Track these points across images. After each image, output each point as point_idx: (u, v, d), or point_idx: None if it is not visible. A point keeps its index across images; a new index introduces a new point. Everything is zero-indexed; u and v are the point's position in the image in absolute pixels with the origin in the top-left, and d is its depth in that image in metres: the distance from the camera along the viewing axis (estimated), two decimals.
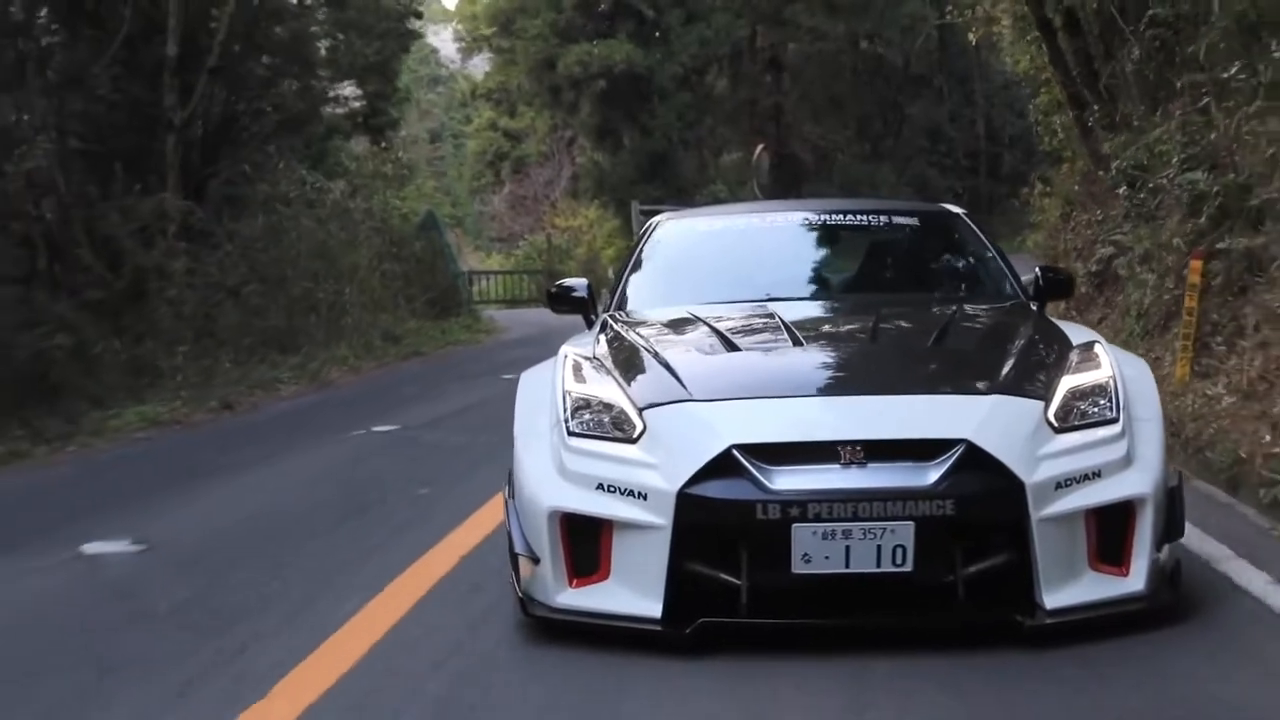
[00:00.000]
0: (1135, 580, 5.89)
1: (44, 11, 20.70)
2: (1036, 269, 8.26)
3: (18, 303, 16.54)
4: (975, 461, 5.71)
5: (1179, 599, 6.14)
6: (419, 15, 34.29)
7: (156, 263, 20.10)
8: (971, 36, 24.42)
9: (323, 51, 28.93)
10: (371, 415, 14.74)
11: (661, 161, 43.79)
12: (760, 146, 37.94)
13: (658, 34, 43.62)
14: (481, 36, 46.95)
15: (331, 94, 30.30)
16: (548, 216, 51.54)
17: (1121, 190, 16.13)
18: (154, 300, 19.87)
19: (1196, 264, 12.16)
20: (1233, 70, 12.07)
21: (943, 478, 5.66)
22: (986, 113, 53.92)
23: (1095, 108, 18.27)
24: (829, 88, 46.91)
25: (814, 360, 6.77)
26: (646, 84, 43.81)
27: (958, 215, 8.98)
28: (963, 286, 8.40)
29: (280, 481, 11.14)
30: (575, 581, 5.97)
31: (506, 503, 6.53)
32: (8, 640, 6.65)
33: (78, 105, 20.16)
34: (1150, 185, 14.69)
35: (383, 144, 33.48)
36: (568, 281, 8.68)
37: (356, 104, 31.98)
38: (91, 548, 8.47)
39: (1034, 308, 7.87)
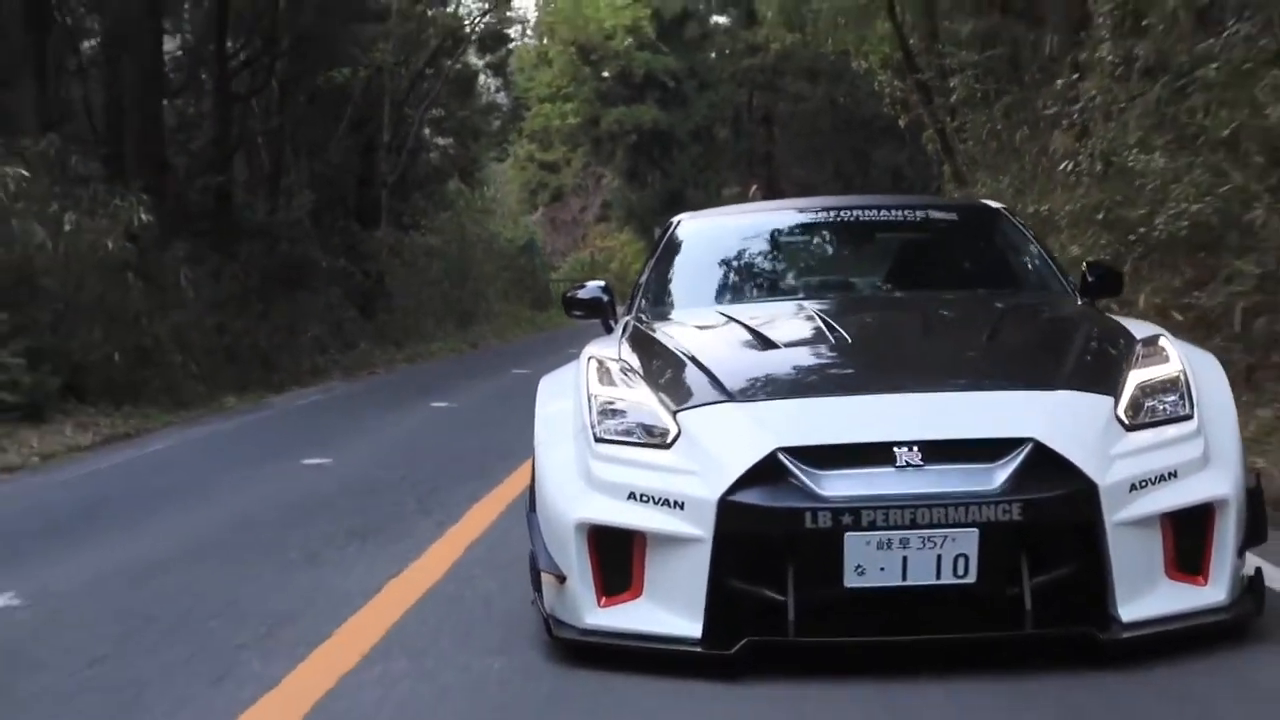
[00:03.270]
0: (1216, 590, 5.05)
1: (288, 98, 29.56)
2: (1084, 265, 7.30)
3: (315, 295, 26.94)
4: (1044, 462, 4.88)
5: (1261, 610, 5.26)
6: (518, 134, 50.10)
7: (384, 269, 32.69)
8: (901, 121, 25.94)
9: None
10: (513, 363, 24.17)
11: (678, 196, 50.70)
12: (754, 186, 45.40)
13: (678, 99, 54.34)
14: (544, 98, 57.09)
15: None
16: (590, 238, 62.40)
17: None
18: (387, 290, 32.64)
19: None
20: None
21: (1009, 480, 4.82)
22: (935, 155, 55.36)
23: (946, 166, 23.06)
24: (810, 138, 51.84)
25: (862, 357, 5.86)
26: (668, 138, 54.76)
27: (998, 210, 8.02)
28: (1009, 282, 7.28)
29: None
30: (605, 600, 5.12)
31: (528, 517, 5.68)
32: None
33: (319, 168, 30.24)
34: None
35: (472, 186, 45.15)
36: (586, 285, 7.68)
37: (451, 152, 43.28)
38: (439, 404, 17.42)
39: (1083, 304, 6.97)
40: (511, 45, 44.06)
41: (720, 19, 54.93)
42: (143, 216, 17.63)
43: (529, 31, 44.95)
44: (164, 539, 8.42)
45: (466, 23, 37.35)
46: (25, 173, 15.81)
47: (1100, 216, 13.45)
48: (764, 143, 55.69)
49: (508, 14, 40.68)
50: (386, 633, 5.80)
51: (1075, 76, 16.09)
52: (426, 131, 38.41)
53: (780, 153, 55.03)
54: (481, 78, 43.86)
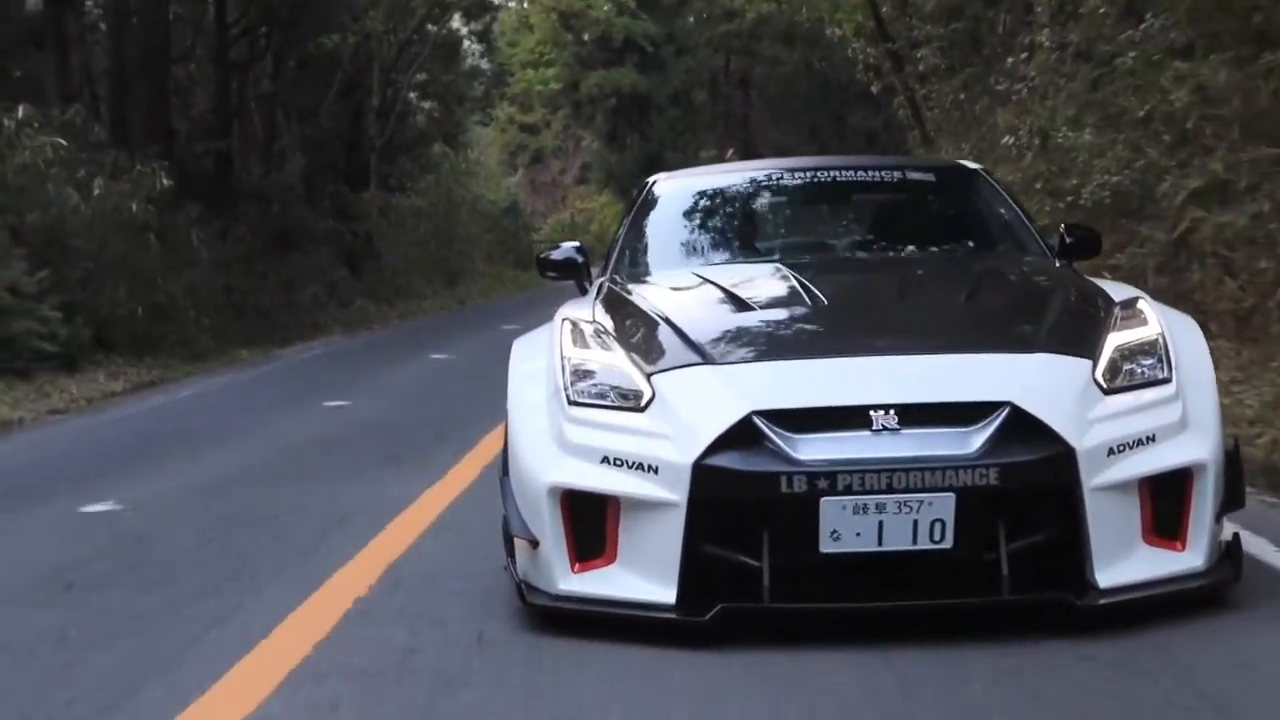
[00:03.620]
0: (1194, 556, 4.81)
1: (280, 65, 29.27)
2: (1062, 226, 6.89)
3: (308, 256, 26.61)
4: (1021, 426, 4.62)
5: (1239, 577, 4.99)
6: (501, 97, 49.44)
7: (373, 229, 32.40)
8: (874, 88, 26.16)
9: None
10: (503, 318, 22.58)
11: (657, 159, 49.51)
12: (730, 150, 45.00)
13: (656, 63, 53.69)
14: (528, 63, 56.58)
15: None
16: (569, 199, 61.13)
17: None
18: (374, 250, 32.10)
19: None
20: None
21: (986, 444, 4.58)
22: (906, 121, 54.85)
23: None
24: (786, 101, 51.04)
25: (838, 319, 5.48)
26: (646, 101, 53.99)
27: (976, 171, 7.54)
28: (986, 244, 6.87)
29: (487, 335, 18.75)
30: (579, 566, 4.86)
31: (501, 481, 5.37)
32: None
33: (310, 132, 30.01)
34: None
35: (456, 150, 44.08)
36: (560, 245, 7.30)
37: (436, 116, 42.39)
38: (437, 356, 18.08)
39: (1061, 266, 6.57)
40: (495, 12, 43.84)
41: None
42: (163, 181, 18.38)
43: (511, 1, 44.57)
44: (224, 464, 9.51)
45: None
46: (63, 141, 16.66)
47: (1039, 185, 14.39)
48: (741, 106, 55.02)
49: None
50: (433, 522, 7.08)
51: (1024, 56, 16.82)
52: (413, 96, 38.33)
53: (756, 116, 54.27)
54: (466, 44, 43.84)
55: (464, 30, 42.31)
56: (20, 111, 16.63)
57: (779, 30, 44.15)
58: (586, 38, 53.12)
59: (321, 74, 31.08)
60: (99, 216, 16.86)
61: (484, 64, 46.12)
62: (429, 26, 36.79)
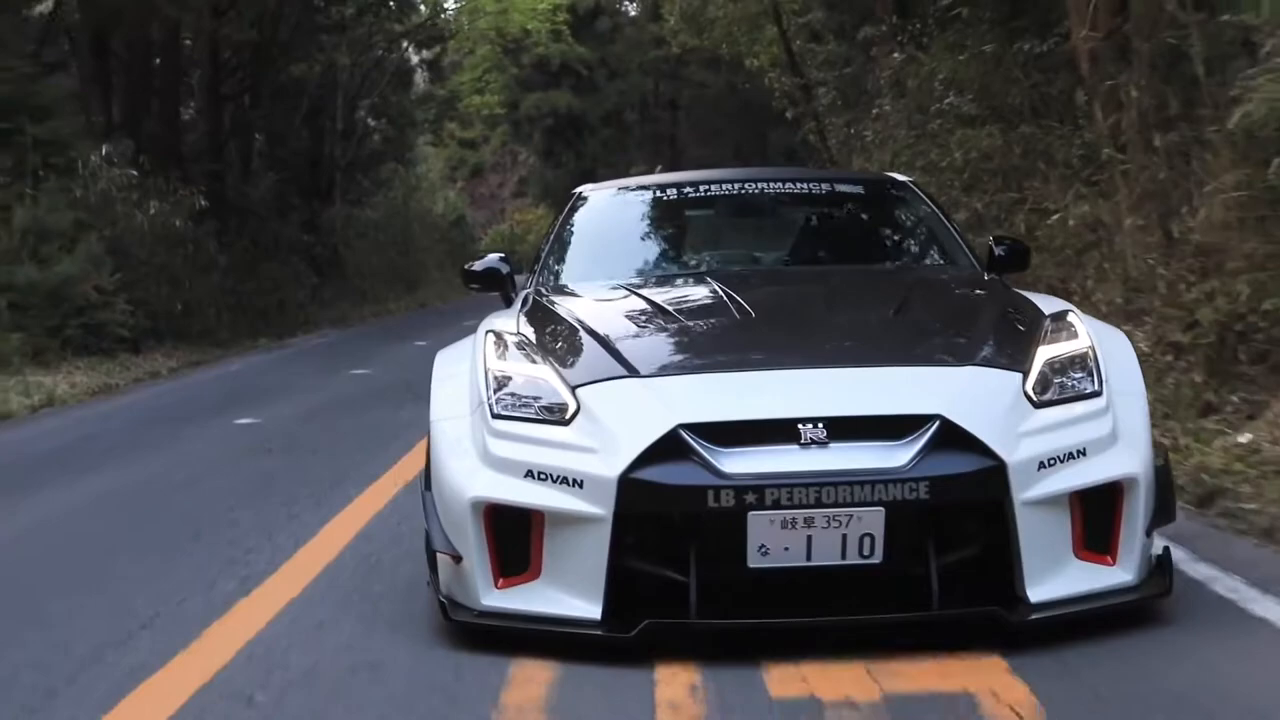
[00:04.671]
0: (1125, 570, 4.27)
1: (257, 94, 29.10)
2: (990, 239, 6.27)
3: (285, 265, 26.80)
4: (951, 439, 4.07)
5: (1170, 590, 4.44)
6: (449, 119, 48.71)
7: (338, 241, 32.92)
8: (788, 114, 26.56)
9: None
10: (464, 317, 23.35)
11: (590, 174, 49.47)
12: (659, 166, 44.28)
13: (590, 86, 53.57)
14: (472, 90, 54.65)
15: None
16: (508, 212, 61.00)
17: None
18: (341, 259, 32.46)
19: None
20: None
21: (915, 458, 4.04)
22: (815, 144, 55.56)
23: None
24: (712, 121, 51.11)
25: (766, 332, 4.88)
26: (581, 121, 53.78)
27: (905, 183, 6.77)
28: (916, 256, 6.27)
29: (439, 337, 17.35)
30: (502, 581, 4.27)
31: (423, 495, 4.72)
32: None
33: (280, 153, 30.61)
34: None
35: (406, 167, 43.44)
36: (484, 256, 6.51)
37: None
38: (419, 343, 17.38)
39: (990, 279, 5.85)
40: (444, 43, 43.57)
41: (629, 7, 54.16)
42: (201, 202, 20.45)
43: (459, 31, 44.08)
44: (297, 406, 11.90)
45: (401, 27, 37.08)
46: (134, 173, 18.88)
47: None
48: (668, 126, 55.05)
49: (444, 14, 40.10)
50: None
51: (874, 113, 18.11)
52: (370, 120, 38.33)
53: (683, 135, 54.18)
54: (418, 73, 43.68)
55: (414, 60, 41.90)
56: (104, 149, 18.65)
57: (704, 57, 44.38)
58: (525, 62, 53.18)
59: (289, 99, 31.54)
60: (151, 231, 19.02)
61: (436, 90, 45.56)
62: (388, 54, 36.79)
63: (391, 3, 33.87)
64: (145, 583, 5.47)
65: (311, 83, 31.62)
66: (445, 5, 38.76)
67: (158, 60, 24.32)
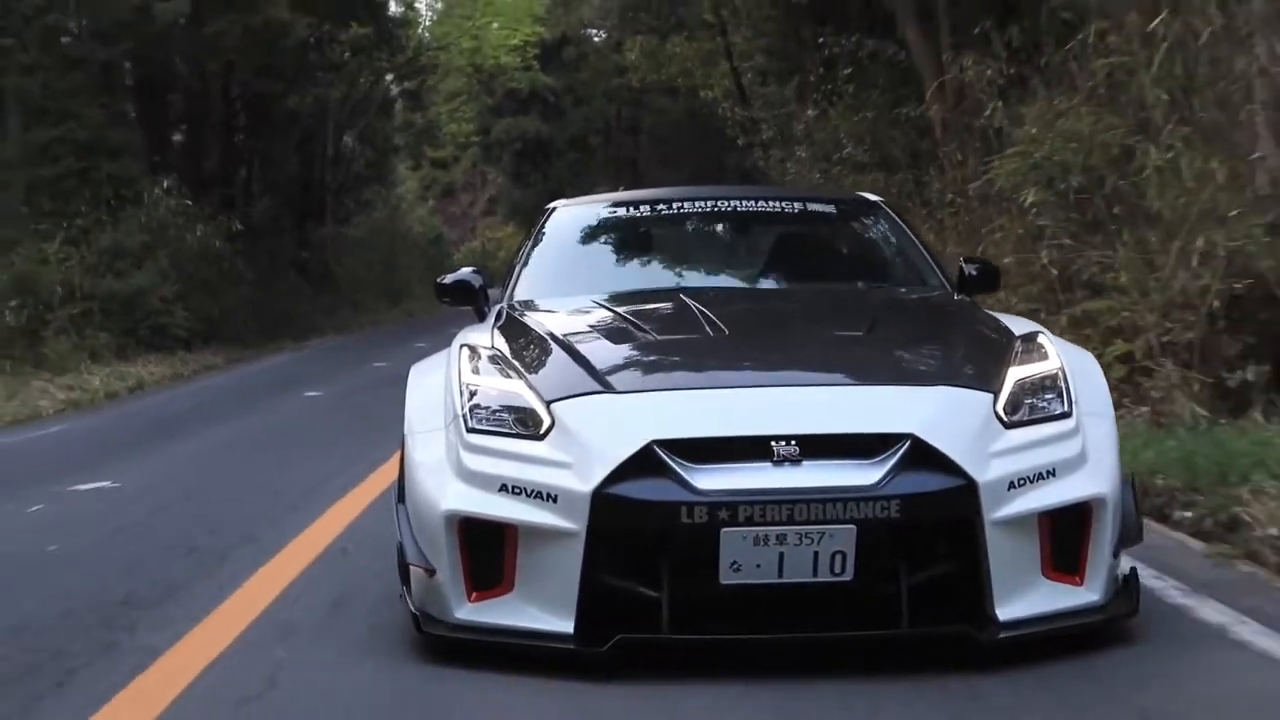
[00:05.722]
0: (1092, 590, 3.89)
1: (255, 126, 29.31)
2: (961, 260, 5.82)
3: (284, 279, 27.47)
4: (922, 458, 3.71)
5: (1136, 610, 4.10)
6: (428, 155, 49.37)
7: (331, 256, 33.28)
8: (740, 141, 27.26)
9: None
10: (447, 327, 22.78)
11: (557, 195, 47.43)
12: (622, 187, 43.92)
13: (557, 112, 54.16)
14: (450, 119, 56.18)
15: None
16: (480, 230, 60.80)
17: None
18: (334, 274, 32.77)
19: None
20: None
21: (886, 476, 3.68)
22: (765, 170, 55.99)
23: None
24: (672, 145, 50.65)
25: (739, 350, 4.48)
26: (548, 145, 54.36)
27: (877, 203, 6.25)
28: (887, 276, 5.75)
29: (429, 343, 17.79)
30: (475, 595, 3.86)
31: (396, 508, 4.30)
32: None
33: (275, 177, 30.96)
34: None
35: (387, 189, 44.04)
36: (458, 271, 5.93)
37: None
38: (419, 344, 15.34)
39: (961, 299, 5.39)
40: (425, 76, 43.14)
41: (594, 34, 53.82)
42: (238, 226, 22.66)
43: (439, 64, 43.80)
44: (343, 385, 13.71)
45: (388, 64, 37.41)
46: (190, 202, 21.04)
47: None
48: (631, 150, 54.85)
49: (426, 52, 40.10)
50: None
51: (797, 153, 19.72)
52: (356, 147, 38.66)
53: (644, 158, 53.75)
54: (399, 103, 43.67)
55: (395, 90, 41.68)
56: (164, 183, 20.75)
57: (664, 86, 44.58)
58: (496, 91, 53.23)
59: (284, 129, 31.99)
60: (197, 250, 20.90)
61: (416, 118, 45.54)
62: (375, 86, 37.36)
63: (382, 46, 34.25)
64: (301, 471, 8.25)
65: (304, 112, 31.91)
66: (427, 42, 39.40)
67: (182, 102, 26.20)
